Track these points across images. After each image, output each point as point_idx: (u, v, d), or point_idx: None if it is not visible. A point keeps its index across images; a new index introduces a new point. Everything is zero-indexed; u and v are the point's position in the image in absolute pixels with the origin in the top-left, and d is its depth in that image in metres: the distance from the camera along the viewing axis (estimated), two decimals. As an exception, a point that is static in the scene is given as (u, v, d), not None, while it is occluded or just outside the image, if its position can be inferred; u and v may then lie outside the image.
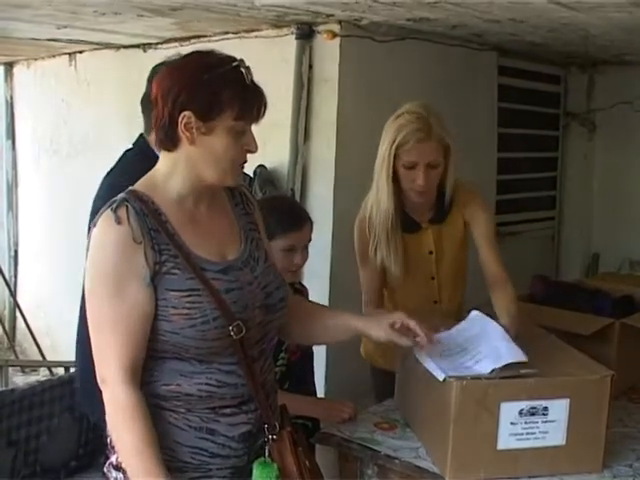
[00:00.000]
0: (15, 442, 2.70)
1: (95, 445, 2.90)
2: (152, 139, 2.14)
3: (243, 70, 1.63)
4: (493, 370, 1.93)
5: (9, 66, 6.05)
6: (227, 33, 4.00)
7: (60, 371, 4.28)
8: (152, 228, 1.62)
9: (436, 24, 3.66)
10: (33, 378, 4.66)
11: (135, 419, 1.58)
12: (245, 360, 1.68)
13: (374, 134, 2.51)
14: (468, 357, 2.02)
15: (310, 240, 2.43)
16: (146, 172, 1.73)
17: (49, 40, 4.60)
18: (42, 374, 5.22)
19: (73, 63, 5.34)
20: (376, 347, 2.75)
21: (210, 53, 1.67)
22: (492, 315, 2.25)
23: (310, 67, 3.70)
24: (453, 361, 2.02)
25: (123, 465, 1.63)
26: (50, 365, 4.92)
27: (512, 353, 1.96)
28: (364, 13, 3.39)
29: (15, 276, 6.20)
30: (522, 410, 1.94)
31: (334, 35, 3.60)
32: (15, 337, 6.00)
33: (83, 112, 5.31)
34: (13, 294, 5.90)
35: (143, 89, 2.40)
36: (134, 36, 4.33)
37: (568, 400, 1.96)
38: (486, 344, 2.03)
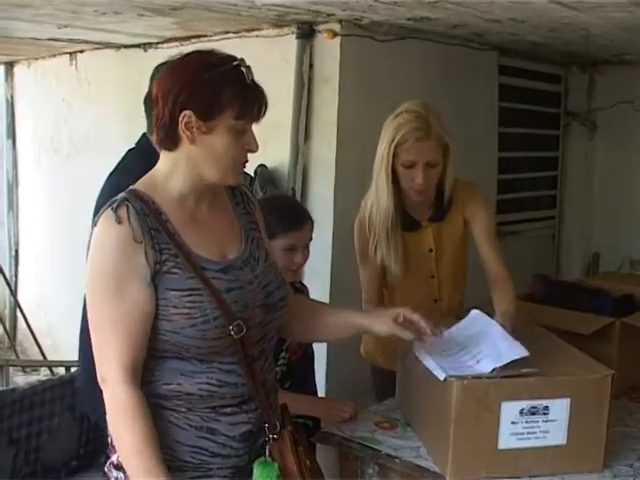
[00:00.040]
0: (16, 441, 2.70)
1: (96, 444, 2.90)
2: (155, 138, 2.14)
3: (244, 69, 1.63)
4: (494, 369, 1.93)
5: (10, 65, 6.05)
6: (228, 32, 4.00)
7: (61, 371, 4.28)
8: (152, 227, 1.62)
9: (437, 24, 3.66)
10: (34, 378, 4.66)
11: (135, 419, 1.58)
12: (245, 359, 1.68)
13: (374, 133, 2.51)
14: (469, 356, 2.02)
15: (311, 239, 2.43)
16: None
17: (50, 40, 4.60)
18: (43, 374, 5.22)
19: (74, 63, 5.34)
20: (376, 346, 2.76)
21: (210, 52, 1.67)
22: (492, 314, 2.25)
23: (311, 66, 3.70)
24: (454, 360, 2.02)
25: (123, 465, 1.63)
26: (51, 365, 4.92)
27: (513, 350, 1.96)
28: (365, 12, 3.39)
29: (16, 276, 6.20)
30: (523, 409, 1.94)
31: (335, 34, 3.60)
32: (16, 337, 6.01)
33: (84, 112, 5.31)
34: (14, 294, 5.90)
35: (144, 89, 2.40)
36: (135, 36, 4.33)
37: (569, 399, 1.96)
38: (487, 343, 2.03)
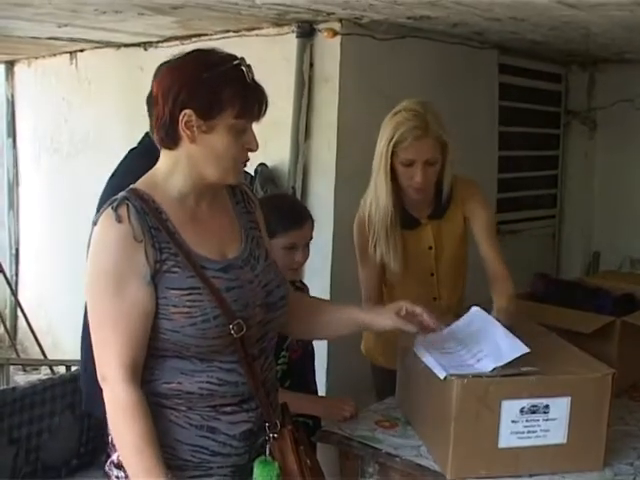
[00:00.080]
0: (16, 440, 2.70)
1: (96, 443, 2.91)
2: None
3: (244, 68, 1.63)
4: (495, 368, 1.93)
5: (10, 65, 6.05)
6: (228, 31, 4.00)
7: (61, 369, 4.30)
8: (153, 226, 1.62)
9: (437, 22, 3.66)
10: (34, 377, 4.67)
11: (135, 418, 1.58)
12: (246, 358, 1.68)
13: (375, 132, 2.51)
14: (469, 355, 2.02)
15: (311, 238, 2.43)
16: None
17: (50, 39, 4.60)
18: (43, 372, 5.23)
19: (74, 62, 5.34)
20: (376, 345, 2.76)
21: (211, 52, 1.67)
22: (492, 311, 2.25)
23: (311, 65, 3.70)
24: (454, 359, 2.02)
25: (123, 464, 1.63)
26: (51, 364, 4.93)
27: (513, 349, 1.96)
28: (365, 11, 3.39)
29: (16, 274, 6.21)
30: (523, 408, 1.94)
31: (335, 33, 3.59)
32: (16, 336, 6.01)
33: (84, 111, 5.31)
34: (14, 292, 5.90)
35: (144, 88, 2.38)
36: (135, 34, 4.33)
37: (569, 398, 1.96)
38: (487, 342, 2.03)
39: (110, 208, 1.61)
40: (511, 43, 4.40)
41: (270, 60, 3.67)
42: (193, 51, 1.68)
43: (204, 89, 1.60)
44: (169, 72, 1.65)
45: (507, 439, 1.95)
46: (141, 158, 2.33)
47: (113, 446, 1.67)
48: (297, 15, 3.51)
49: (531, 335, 2.11)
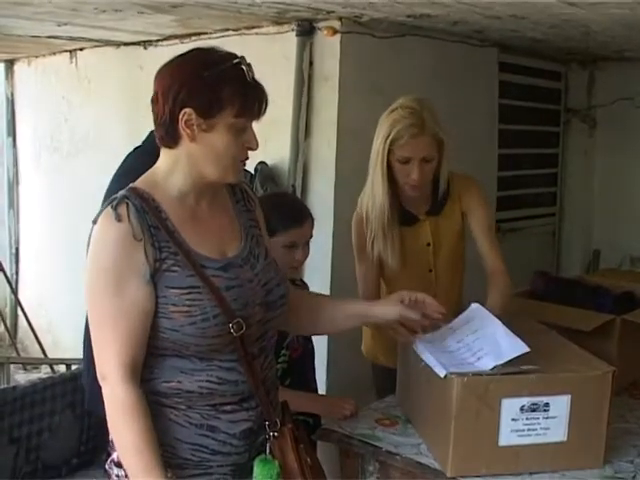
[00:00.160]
0: (17, 439, 2.70)
1: (96, 442, 2.91)
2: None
3: (244, 67, 1.63)
4: (495, 367, 1.93)
5: (10, 63, 6.05)
6: (227, 30, 4.00)
7: (62, 368, 4.30)
8: (152, 225, 1.62)
9: (437, 21, 3.65)
10: (35, 375, 4.66)
11: (135, 417, 1.58)
12: (245, 357, 1.68)
13: (374, 131, 2.51)
14: (469, 353, 2.02)
15: (311, 236, 2.43)
16: None
17: (50, 37, 4.60)
18: (44, 371, 5.22)
19: (74, 60, 5.33)
20: (377, 344, 2.76)
21: (211, 50, 1.67)
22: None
23: (311, 64, 3.70)
24: (454, 357, 2.02)
25: (122, 463, 1.63)
26: (51, 362, 4.93)
27: (513, 347, 1.96)
28: (365, 10, 3.39)
29: (16, 273, 6.21)
30: (523, 406, 1.95)
31: (335, 32, 3.59)
32: (17, 334, 6.01)
33: (84, 109, 5.31)
34: (14, 291, 5.90)
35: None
36: (134, 33, 4.33)
37: (569, 396, 1.97)
38: (487, 340, 2.03)
39: (110, 207, 1.61)
40: (511, 41, 4.40)
41: (270, 58, 3.67)
42: (193, 50, 1.68)
43: (204, 88, 1.60)
44: (169, 71, 1.65)
45: (507, 437, 1.96)
46: (145, 156, 2.32)
47: (113, 445, 1.67)
48: (297, 13, 3.51)
49: (531, 333, 2.11)
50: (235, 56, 1.64)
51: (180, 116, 1.60)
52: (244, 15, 3.58)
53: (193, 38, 4.21)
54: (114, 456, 1.68)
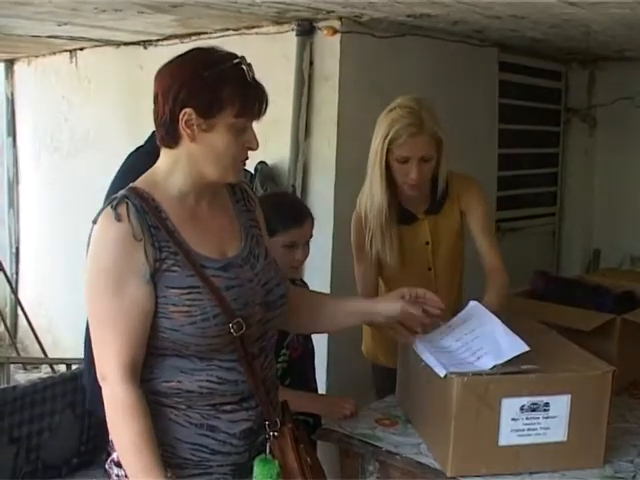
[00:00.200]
0: (17, 439, 2.70)
1: (97, 442, 2.91)
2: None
3: (244, 67, 1.63)
4: (494, 366, 1.94)
5: (10, 63, 6.05)
6: (227, 30, 4.00)
7: (62, 368, 4.30)
8: (152, 225, 1.62)
9: (437, 20, 3.65)
10: (35, 375, 4.66)
11: (134, 417, 1.58)
12: (245, 357, 1.68)
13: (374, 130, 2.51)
14: (469, 353, 2.02)
15: (311, 236, 2.43)
16: None
17: (50, 37, 4.60)
18: (44, 371, 5.22)
19: (74, 60, 5.33)
20: (377, 344, 2.76)
21: (211, 50, 1.67)
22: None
23: (311, 64, 3.70)
24: (454, 357, 2.02)
25: (122, 463, 1.63)
26: (52, 362, 4.93)
27: (513, 347, 1.96)
28: (365, 9, 3.39)
29: (16, 273, 6.21)
30: (523, 406, 1.95)
31: (335, 31, 3.59)
32: (17, 334, 6.01)
33: (84, 109, 5.31)
34: (14, 291, 5.90)
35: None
36: (134, 33, 4.33)
37: (569, 396, 1.97)
38: (487, 339, 2.03)
39: (109, 207, 1.61)
40: (511, 41, 4.40)
41: (270, 58, 3.67)
42: (193, 50, 1.68)
43: (204, 88, 1.60)
44: (169, 71, 1.65)
45: (507, 437, 1.96)
46: (146, 156, 2.32)
47: (113, 445, 1.67)
48: (297, 13, 3.51)
49: (531, 333, 2.11)
50: (235, 56, 1.64)
51: (180, 116, 1.60)
52: (244, 15, 3.58)
53: (193, 38, 4.21)
54: (114, 456, 1.68)
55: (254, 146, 1.70)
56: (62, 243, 5.49)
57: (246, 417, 1.71)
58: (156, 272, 1.60)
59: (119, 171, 2.49)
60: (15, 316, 6.10)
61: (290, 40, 3.71)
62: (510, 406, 1.94)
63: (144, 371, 1.64)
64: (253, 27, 3.88)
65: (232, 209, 1.82)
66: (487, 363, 1.95)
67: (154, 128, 1.70)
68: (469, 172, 2.72)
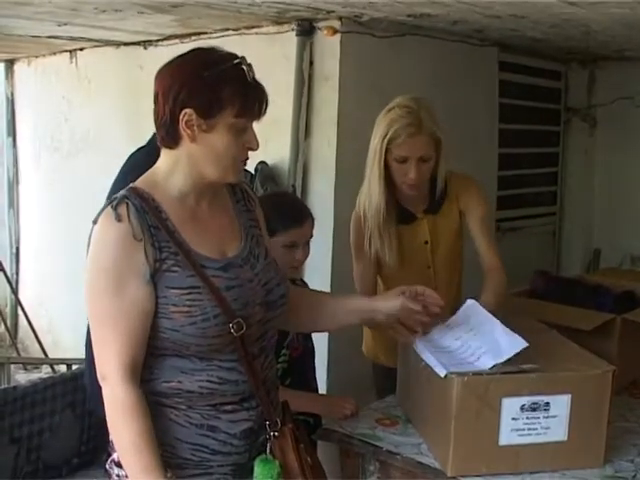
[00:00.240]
0: (17, 439, 2.70)
1: (97, 442, 2.91)
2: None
3: (244, 67, 1.63)
4: (494, 366, 1.94)
5: (10, 63, 6.05)
6: (227, 30, 4.00)
7: (62, 368, 4.30)
8: (152, 225, 1.62)
9: (437, 20, 3.65)
10: (35, 375, 4.66)
11: (134, 417, 1.58)
12: (246, 357, 1.68)
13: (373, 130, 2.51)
14: (469, 352, 2.02)
15: (311, 236, 2.43)
16: None
17: (50, 37, 4.60)
18: (44, 371, 5.22)
19: (74, 60, 5.34)
20: (377, 344, 2.76)
21: (211, 50, 1.67)
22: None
23: (311, 63, 3.70)
24: (454, 356, 2.02)
25: (122, 463, 1.63)
26: (52, 362, 4.93)
27: (512, 345, 1.96)
28: (365, 9, 3.39)
29: (17, 273, 6.21)
30: (523, 405, 1.95)
31: (335, 31, 3.59)
32: (17, 334, 6.02)
33: (84, 109, 5.31)
34: (15, 291, 5.90)
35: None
36: (134, 33, 4.33)
37: (570, 395, 1.97)
38: (486, 338, 2.03)
39: (110, 207, 1.61)
40: (511, 40, 4.40)
41: (270, 58, 3.67)
42: (193, 50, 1.68)
43: (204, 88, 1.60)
44: (169, 71, 1.65)
45: (507, 436, 1.96)
46: (148, 157, 2.32)
47: (114, 445, 1.67)
48: (297, 13, 3.51)
49: (531, 332, 2.11)
50: (235, 56, 1.64)
51: (180, 116, 1.60)
52: (244, 15, 3.58)
53: (193, 38, 4.21)
54: (114, 456, 1.68)
55: (254, 146, 1.70)
56: (62, 243, 5.49)
57: (246, 417, 1.71)
58: (156, 272, 1.60)
59: (120, 171, 2.49)
60: (15, 316, 6.10)
61: (290, 40, 3.71)
62: (510, 406, 1.94)
63: (144, 371, 1.64)
64: (253, 27, 3.88)
65: (232, 209, 1.82)
66: (487, 362, 1.95)
67: (155, 128, 1.70)
68: (469, 172, 2.72)
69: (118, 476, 1.68)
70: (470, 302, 2.18)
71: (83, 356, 2.48)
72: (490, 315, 2.10)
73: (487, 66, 4.59)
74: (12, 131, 6.14)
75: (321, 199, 3.69)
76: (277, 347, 1.96)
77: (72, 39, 4.69)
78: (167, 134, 1.65)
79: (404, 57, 3.90)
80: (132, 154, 2.53)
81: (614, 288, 2.89)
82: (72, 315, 4.95)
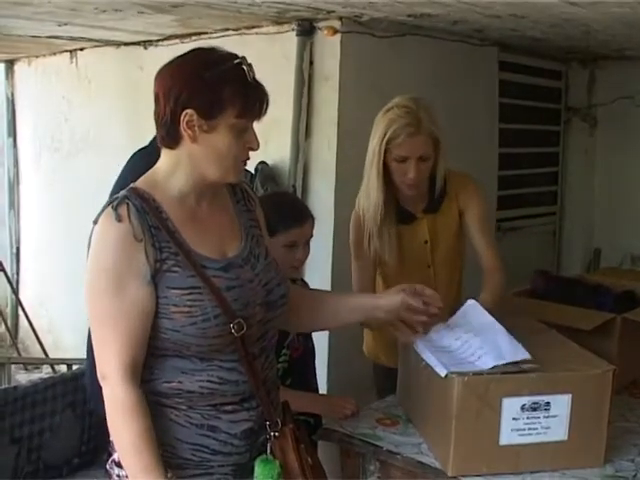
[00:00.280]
0: (18, 439, 2.70)
1: (97, 442, 2.91)
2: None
3: (245, 67, 1.63)
4: (495, 367, 1.94)
5: (10, 63, 6.05)
6: (228, 30, 4.00)
7: (62, 368, 4.30)
8: (153, 226, 1.62)
9: (437, 20, 3.65)
10: (36, 375, 4.66)
11: (134, 417, 1.58)
12: (246, 357, 1.68)
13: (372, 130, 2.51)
14: (469, 352, 2.02)
15: (312, 236, 2.44)
16: None
17: (50, 37, 4.60)
18: (44, 371, 5.22)
19: (74, 60, 5.34)
20: (378, 344, 2.76)
21: (211, 50, 1.67)
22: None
23: (311, 63, 3.70)
24: (454, 356, 2.02)
25: (122, 463, 1.63)
26: (52, 362, 4.93)
27: (514, 353, 1.96)
28: (365, 9, 3.39)
29: (17, 273, 6.21)
30: (524, 405, 1.95)
31: (335, 31, 3.59)
32: (17, 334, 6.02)
33: (84, 109, 5.31)
34: (15, 291, 5.90)
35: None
36: (135, 33, 4.33)
37: (570, 395, 1.97)
38: (487, 339, 2.03)
39: (110, 207, 1.61)
40: (511, 40, 4.40)
41: (270, 58, 3.67)
42: (193, 50, 1.68)
43: (205, 89, 1.60)
44: (169, 71, 1.65)
45: (508, 436, 1.96)
46: (150, 157, 2.32)
47: (114, 445, 1.67)
48: (297, 13, 3.51)
49: (531, 332, 2.11)
50: (236, 56, 1.64)
51: (181, 117, 1.60)
52: (244, 15, 3.58)
53: (193, 38, 4.21)
54: (115, 456, 1.68)
55: (255, 146, 1.70)
56: (62, 243, 5.50)
57: (247, 417, 1.71)
58: (157, 272, 1.60)
59: (122, 172, 2.49)
60: (16, 316, 6.10)
61: (290, 40, 3.71)
62: (511, 405, 1.94)
63: (145, 372, 1.64)
64: (253, 27, 3.88)
65: (232, 209, 1.82)
66: (487, 363, 1.95)
67: (155, 129, 1.70)
68: (469, 171, 2.72)
69: (118, 476, 1.68)
70: (471, 302, 2.18)
71: (83, 356, 2.49)
72: (493, 320, 2.10)
73: (487, 66, 4.59)
74: (12, 131, 6.14)
75: (321, 199, 3.69)
76: (277, 347, 1.96)
77: (72, 39, 4.69)
78: (168, 134, 1.65)
79: (404, 57, 3.90)
80: (133, 155, 2.53)
81: (614, 288, 2.89)
82: (72, 315, 4.96)
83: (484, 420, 1.94)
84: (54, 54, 5.47)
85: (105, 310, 1.60)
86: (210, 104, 1.60)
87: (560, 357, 2.09)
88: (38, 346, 5.40)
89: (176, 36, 4.32)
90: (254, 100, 1.64)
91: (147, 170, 1.74)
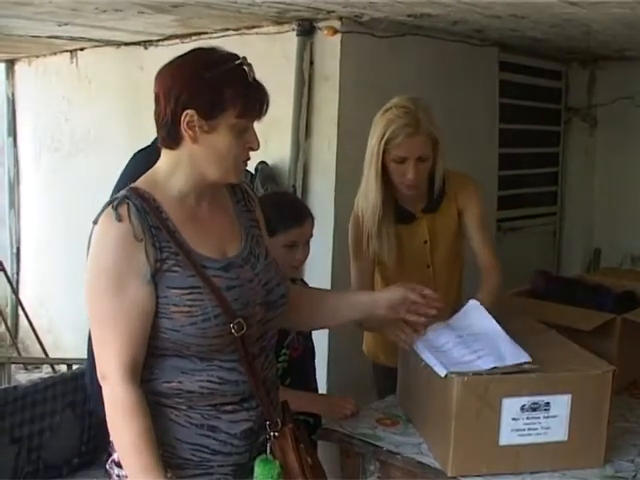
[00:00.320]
0: (18, 439, 2.70)
1: (97, 442, 2.91)
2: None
3: (245, 68, 1.63)
4: (495, 367, 1.94)
5: (10, 63, 6.05)
6: (228, 30, 4.00)
7: (62, 368, 4.30)
8: (153, 225, 1.62)
9: (437, 20, 3.65)
10: (36, 375, 4.66)
11: (134, 417, 1.58)
12: (246, 357, 1.68)
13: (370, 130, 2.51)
14: (469, 352, 2.02)
15: (312, 236, 2.44)
16: None
17: (50, 37, 4.61)
18: (45, 371, 5.23)
19: (74, 60, 5.34)
20: (378, 343, 2.76)
21: (212, 51, 1.67)
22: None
23: (311, 63, 3.70)
24: (454, 356, 2.02)
25: (122, 463, 1.63)
26: (52, 362, 4.93)
27: (515, 355, 1.96)
28: (365, 9, 3.39)
29: (17, 273, 6.21)
30: (524, 406, 1.95)
31: (335, 31, 3.59)
32: (18, 334, 6.02)
33: (84, 109, 5.31)
34: (15, 291, 5.91)
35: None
36: (135, 33, 4.33)
37: (570, 395, 1.97)
38: (487, 341, 2.03)
39: (110, 207, 1.61)
40: (511, 40, 4.40)
41: (270, 58, 3.67)
42: (194, 50, 1.68)
43: (206, 89, 1.60)
44: (170, 72, 1.65)
45: (508, 436, 1.96)
46: (151, 157, 2.32)
47: (114, 445, 1.67)
48: (297, 13, 3.51)
49: (531, 332, 2.11)
50: (237, 57, 1.64)
51: (182, 118, 1.60)
52: (244, 15, 3.58)
53: (193, 38, 4.21)
54: (115, 456, 1.68)
55: (255, 146, 1.70)
56: (63, 243, 5.50)
57: (247, 417, 1.71)
58: (157, 272, 1.60)
59: (123, 172, 2.49)
60: (16, 316, 6.11)
61: (290, 40, 3.71)
62: (510, 406, 1.94)
63: (145, 371, 1.64)
64: (253, 27, 3.88)
65: (232, 209, 1.82)
66: (487, 363, 1.95)
67: (155, 129, 1.70)
68: (469, 172, 2.72)
69: (118, 476, 1.68)
70: (473, 303, 2.18)
71: (83, 356, 2.49)
72: (495, 322, 2.10)
73: (487, 66, 4.59)
74: (13, 131, 6.14)
75: (321, 199, 3.69)
76: (277, 347, 1.97)
77: (72, 39, 4.69)
78: (168, 135, 1.65)
79: (404, 57, 3.90)
80: (134, 155, 2.53)
81: (614, 288, 2.89)
82: (72, 315, 4.96)
83: (484, 420, 1.94)
84: (54, 54, 5.47)
85: (105, 310, 1.60)
86: (211, 104, 1.60)
87: (560, 357, 2.09)
88: (38, 346, 5.40)
89: (176, 36, 4.32)
90: (255, 100, 1.64)
91: (148, 170, 1.74)
